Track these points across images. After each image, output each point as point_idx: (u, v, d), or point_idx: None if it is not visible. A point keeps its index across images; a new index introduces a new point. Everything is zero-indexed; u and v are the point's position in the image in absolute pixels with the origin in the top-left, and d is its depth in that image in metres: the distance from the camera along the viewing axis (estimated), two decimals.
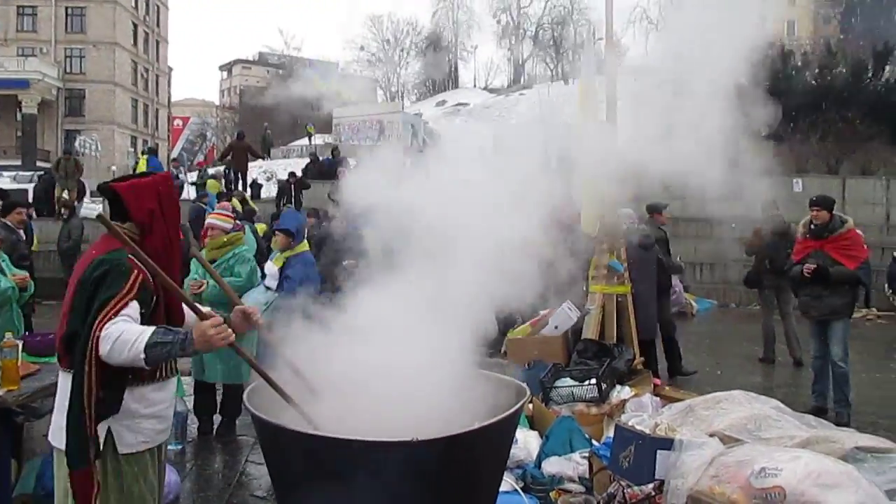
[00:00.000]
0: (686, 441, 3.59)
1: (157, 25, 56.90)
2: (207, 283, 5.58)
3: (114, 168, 37.81)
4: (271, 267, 6.14)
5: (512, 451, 3.79)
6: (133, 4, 51.79)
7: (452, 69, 62.39)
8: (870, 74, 22.27)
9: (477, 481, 2.86)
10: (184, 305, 2.88)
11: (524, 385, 3.28)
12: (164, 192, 2.89)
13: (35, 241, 12.99)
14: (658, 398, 5.51)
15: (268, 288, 6.06)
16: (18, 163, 39.60)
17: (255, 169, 23.49)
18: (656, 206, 8.82)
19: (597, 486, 4.27)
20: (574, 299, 6.49)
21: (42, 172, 19.69)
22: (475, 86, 60.53)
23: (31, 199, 18.03)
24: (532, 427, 5.12)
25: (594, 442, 4.80)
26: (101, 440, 2.67)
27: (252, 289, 5.98)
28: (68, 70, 48.77)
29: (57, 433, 2.75)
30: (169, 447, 5.05)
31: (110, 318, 2.55)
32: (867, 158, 20.70)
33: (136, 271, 2.67)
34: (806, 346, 7.68)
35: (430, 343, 3.16)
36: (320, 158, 21.89)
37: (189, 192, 19.81)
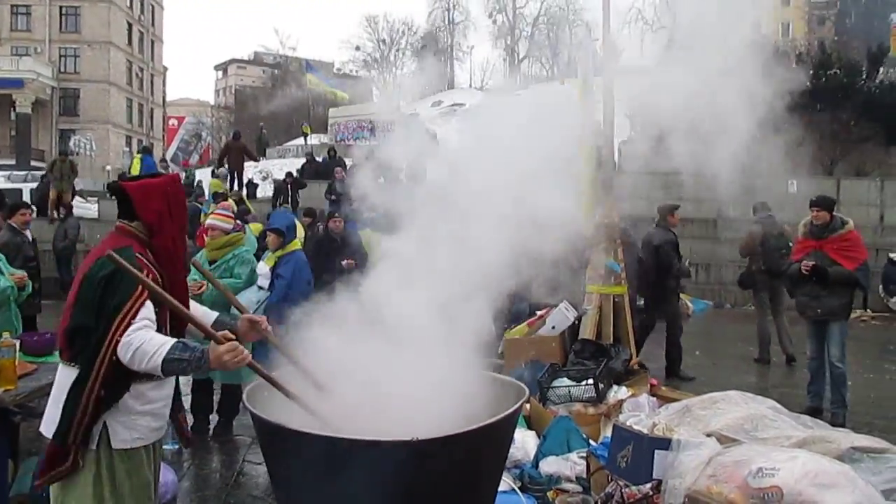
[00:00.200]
0: (684, 441, 3.60)
1: (152, 25, 56.82)
2: (207, 284, 5.58)
3: (108, 168, 37.77)
4: (263, 267, 6.14)
5: (510, 450, 3.80)
6: (128, 4, 51.70)
7: (448, 69, 62.40)
8: (864, 76, 22.32)
9: (477, 480, 2.87)
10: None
11: (523, 385, 3.28)
12: (172, 192, 2.93)
13: None
14: (655, 398, 5.53)
15: (260, 287, 6.06)
16: (13, 162, 39.50)
17: (251, 169, 23.46)
18: (669, 208, 8.73)
19: (594, 486, 4.29)
20: (571, 299, 6.51)
21: (44, 174, 19.61)
22: (471, 86, 60.53)
23: (29, 199, 18.01)
24: (529, 427, 5.13)
25: (591, 442, 4.82)
26: (96, 434, 2.71)
27: (247, 289, 5.98)
28: (63, 69, 48.65)
29: (50, 425, 2.77)
30: (166, 446, 5.06)
31: (130, 323, 2.61)
32: (861, 160, 20.77)
33: (144, 270, 2.70)
34: (801, 346, 7.71)
35: (430, 342, 3.17)
36: (317, 158, 21.88)
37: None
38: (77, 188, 19.76)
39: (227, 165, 18.98)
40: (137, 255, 2.74)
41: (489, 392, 3.19)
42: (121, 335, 2.58)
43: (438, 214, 3.35)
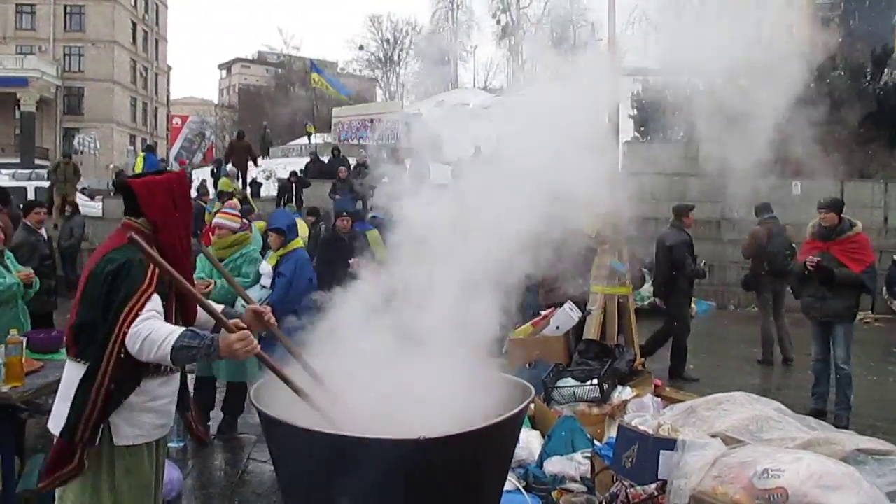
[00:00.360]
0: (689, 441, 3.61)
1: (157, 24, 56.91)
2: (216, 282, 5.60)
3: (112, 166, 37.80)
4: (265, 266, 6.16)
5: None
6: (132, 3, 51.79)
7: (452, 69, 62.42)
8: (868, 78, 22.29)
9: (483, 479, 2.88)
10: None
11: (529, 384, 3.29)
12: (177, 189, 2.94)
13: None
14: (659, 399, 5.53)
15: (263, 286, 6.08)
16: (17, 161, 39.58)
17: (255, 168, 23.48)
18: (683, 208, 8.72)
19: (599, 486, 4.29)
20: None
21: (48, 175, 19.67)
22: (475, 86, 60.52)
23: (34, 198, 18.05)
24: (534, 427, 5.14)
25: (596, 442, 4.82)
26: (99, 430, 2.71)
27: (251, 288, 5.99)
28: (67, 68, 48.76)
29: (58, 421, 2.78)
30: (171, 444, 5.08)
31: (137, 315, 2.61)
32: (866, 162, 20.73)
33: (150, 272, 2.71)
34: (806, 348, 7.71)
35: (436, 341, 3.18)
36: (321, 158, 21.90)
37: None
38: (80, 187, 19.82)
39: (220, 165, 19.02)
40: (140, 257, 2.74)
41: (495, 391, 3.20)
42: (128, 327, 2.59)
43: (448, 214, 3.36)
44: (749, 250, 9.45)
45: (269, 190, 21.39)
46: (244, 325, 2.73)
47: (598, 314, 6.41)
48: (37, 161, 39.93)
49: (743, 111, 5.23)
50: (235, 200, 13.66)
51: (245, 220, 6.51)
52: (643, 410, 4.92)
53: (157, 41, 57.21)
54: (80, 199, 19.11)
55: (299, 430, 2.69)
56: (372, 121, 32.34)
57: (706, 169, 20.63)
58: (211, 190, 17.02)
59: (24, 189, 19.18)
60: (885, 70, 23.40)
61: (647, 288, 13.35)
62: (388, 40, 61.42)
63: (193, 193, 18.16)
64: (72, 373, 2.78)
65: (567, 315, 6.42)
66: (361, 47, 61.47)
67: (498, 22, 60.33)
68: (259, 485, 5.14)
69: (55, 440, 2.73)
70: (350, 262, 7.20)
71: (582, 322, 6.64)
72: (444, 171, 23.83)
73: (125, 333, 2.59)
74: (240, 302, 5.29)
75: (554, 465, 4.58)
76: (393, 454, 2.58)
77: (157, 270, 2.72)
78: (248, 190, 19.31)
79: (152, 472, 2.90)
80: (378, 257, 5.48)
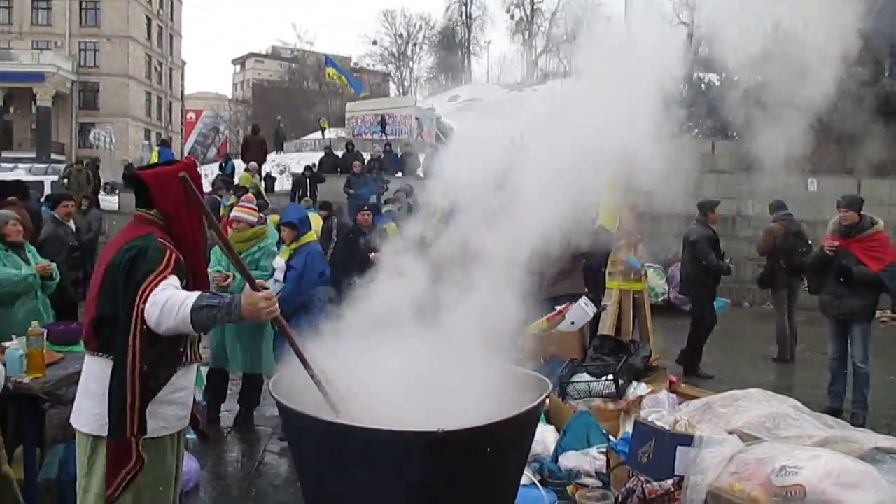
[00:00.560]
0: (706, 438, 3.60)
1: (171, 19, 57.18)
2: (234, 276, 5.63)
3: (127, 160, 38.08)
4: (279, 260, 6.18)
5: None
6: None
7: (465, 64, 62.36)
8: (887, 73, 22.06)
9: (500, 473, 2.89)
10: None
11: (546, 379, 3.29)
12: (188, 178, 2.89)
13: None
14: (674, 395, 5.52)
15: (276, 280, 6.11)
16: (33, 155, 39.92)
17: (269, 162, 23.58)
18: (709, 204, 8.66)
19: (614, 482, 4.29)
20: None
21: (64, 176, 19.84)
22: (488, 81, 60.44)
23: (50, 192, 18.21)
24: (548, 421, 5.13)
25: (611, 437, 4.82)
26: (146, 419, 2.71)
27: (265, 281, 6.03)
28: (82, 63, 49.12)
29: (79, 416, 2.81)
30: (189, 436, 5.12)
31: (153, 289, 2.58)
32: (882, 159, 20.53)
33: (169, 251, 2.71)
34: (822, 346, 7.66)
35: (452, 335, 3.19)
36: (335, 152, 21.95)
37: (204, 184, 19.93)
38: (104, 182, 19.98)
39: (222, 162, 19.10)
40: (160, 239, 2.74)
41: (512, 385, 3.21)
42: (145, 302, 2.56)
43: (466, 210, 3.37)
44: (765, 247, 9.39)
45: (284, 184, 21.45)
46: (268, 287, 2.74)
47: (613, 310, 6.41)
48: (53, 156, 40.25)
49: (762, 106, 5.20)
50: (251, 194, 13.74)
51: (261, 214, 6.53)
52: (658, 406, 4.91)
53: (171, 36, 57.49)
54: (103, 196, 19.29)
55: (318, 422, 2.71)
56: (381, 116, 32.30)
57: (721, 165, 20.59)
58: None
59: (42, 183, 19.33)
60: None
61: (661, 284, 13.33)
62: (401, 35, 61.48)
63: (208, 187, 18.29)
64: (92, 368, 2.79)
65: (582, 310, 6.41)
66: (375, 42, 61.61)
67: (512, 17, 60.23)
68: (275, 476, 5.19)
69: (107, 444, 2.68)
70: (371, 255, 7.22)
71: (597, 318, 6.64)
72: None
73: (143, 310, 2.56)
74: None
75: (569, 460, 4.58)
76: (412, 446, 2.59)
77: (174, 255, 2.71)
78: (263, 184, 19.38)
79: (174, 463, 2.92)
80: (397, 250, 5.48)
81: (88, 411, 2.77)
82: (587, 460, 4.56)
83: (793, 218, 9.43)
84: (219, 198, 14.75)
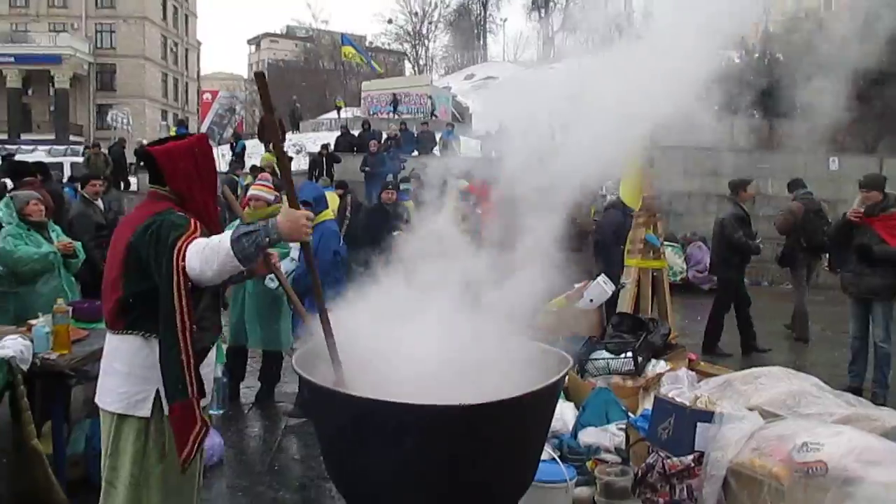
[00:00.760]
0: (727, 414, 3.60)
1: (186, 0, 57.15)
2: None
3: (144, 142, 38.27)
4: None
5: None
6: None
7: (481, 42, 61.89)
8: None
9: (522, 447, 2.90)
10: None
11: (566, 354, 3.29)
12: (199, 153, 2.88)
13: None
14: (694, 373, 5.50)
15: (292, 259, 6.13)
16: (52, 137, 40.23)
17: (285, 142, 23.62)
18: (740, 183, 8.63)
19: (633, 458, 4.30)
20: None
21: (85, 157, 20.03)
22: (504, 59, 59.97)
23: (70, 174, 18.38)
24: (567, 398, 5.14)
25: (630, 414, 4.82)
26: (150, 401, 2.74)
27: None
28: (99, 45, 49.31)
29: (103, 395, 2.83)
30: (212, 411, 5.19)
31: (186, 247, 2.57)
32: None
33: (192, 219, 2.71)
34: (843, 325, 7.62)
35: (473, 311, 3.19)
36: (351, 132, 21.94)
37: (221, 164, 20.01)
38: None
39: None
40: (178, 212, 2.73)
41: (533, 360, 3.21)
42: (184, 260, 2.54)
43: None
44: (785, 226, 9.31)
45: (300, 164, 21.49)
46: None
47: (631, 288, 6.39)
48: (71, 137, 40.54)
49: (780, 83, 5.13)
50: (268, 173, 13.81)
51: (278, 194, 6.54)
52: (678, 384, 4.89)
53: (186, 17, 57.50)
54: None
55: (342, 396, 2.73)
56: (394, 95, 32.18)
57: (740, 143, 20.32)
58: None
59: (61, 164, 19.49)
60: None
61: (680, 263, 13.28)
62: (416, 13, 61.02)
63: (225, 167, 18.38)
64: (118, 347, 2.80)
65: (601, 288, 6.39)
66: (390, 21, 61.18)
67: None
68: (296, 451, 5.26)
69: (169, 411, 2.66)
70: (394, 232, 7.23)
71: (615, 296, 6.62)
72: (473, 144, 23.73)
73: (183, 267, 2.54)
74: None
75: (588, 436, 4.59)
76: (435, 420, 2.61)
77: (198, 223, 2.69)
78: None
79: None
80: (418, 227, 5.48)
81: (114, 390, 2.79)
82: (606, 436, 4.57)
83: (812, 197, 9.35)
84: (236, 177, 14.84)
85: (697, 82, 3.47)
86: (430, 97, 31.93)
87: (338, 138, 21.43)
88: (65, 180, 15.60)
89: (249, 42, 79.10)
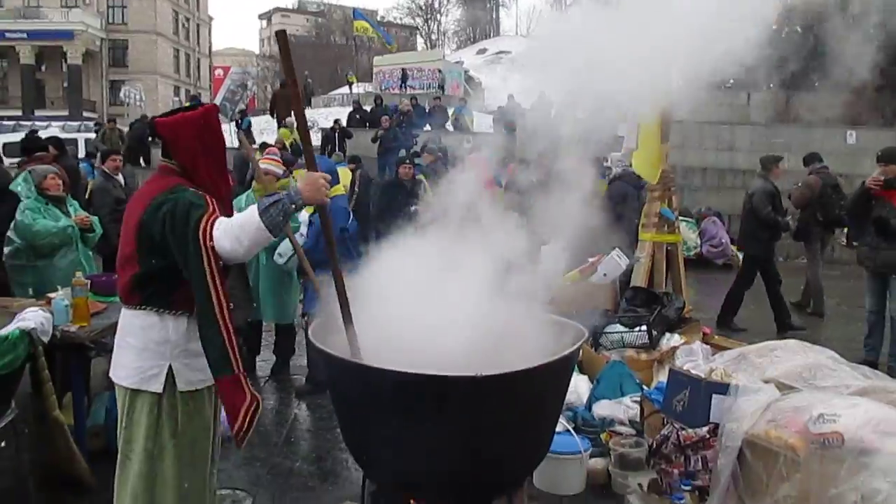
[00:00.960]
0: (742, 386, 3.60)
1: None
2: None
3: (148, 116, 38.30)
4: (303, 214, 6.19)
5: None
6: None
7: (494, 16, 61.31)
8: None
9: (537, 418, 2.92)
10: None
11: (581, 326, 3.29)
12: (205, 125, 2.82)
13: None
14: (708, 346, 5.50)
15: (301, 234, 6.14)
16: (66, 113, 40.33)
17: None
18: (772, 159, 8.58)
19: (648, 430, 4.33)
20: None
21: (99, 133, 20.08)
22: (517, 33, 59.42)
23: (84, 150, 18.52)
24: (581, 371, 5.17)
25: (644, 387, 4.84)
26: (162, 377, 2.75)
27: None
28: (111, 20, 49.22)
29: (118, 369, 2.85)
30: None
31: (212, 228, 2.57)
32: None
33: (207, 196, 2.69)
34: (859, 300, 7.58)
35: (487, 281, 3.19)
36: (364, 107, 21.86)
37: (233, 140, 20.02)
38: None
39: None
40: (192, 189, 2.72)
41: (547, 332, 3.21)
42: (212, 240, 2.55)
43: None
44: (802, 200, 9.23)
45: (312, 140, 21.48)
46: None
47: (646, 262, 6.36)
48: (85, 114, 40.64)
49: (796, 57, 5.05)
50: (275, 147, 13.82)
51: (286, 168, 6.54)
52: (693, 356, 4.90)
53: None
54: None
55: (359, 367, 2.75)
56: (402, 70, 31.96)
57: (756, 117, 20.09)
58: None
59: (75, 140, 19.56)
60: None
61: (693, 238, 13.21)
62: None
63: (235, 142, 18.37)
64: (132, 322, 2.80)
65: (615, 262, 6.38)
66: None
67: None
68: (311, 423, 5.32)
69: (218, 387, 2.69)
70: (411, 207, 7.23)
71: (629, 271, 6.60)
72: (486, 119, 23.58)
73: (212, 247, 2.56)
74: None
75: (603, 409, 4.62)
76: (452, 391, 2.62)
77: (213, 200, 2.69)
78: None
79: (212, 415, 2.94)
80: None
81: (127, 365, 2.80)
82: (621, 409, 4.59)
83: (829, 170, 9.28)
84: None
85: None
86: (441, 72, 31.68)
87: (350, 113, 21.38)
88: (80, 156, 15.69)
89: (261, 17, 78.68)
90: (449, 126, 20.22)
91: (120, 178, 8.01)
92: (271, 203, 2.55)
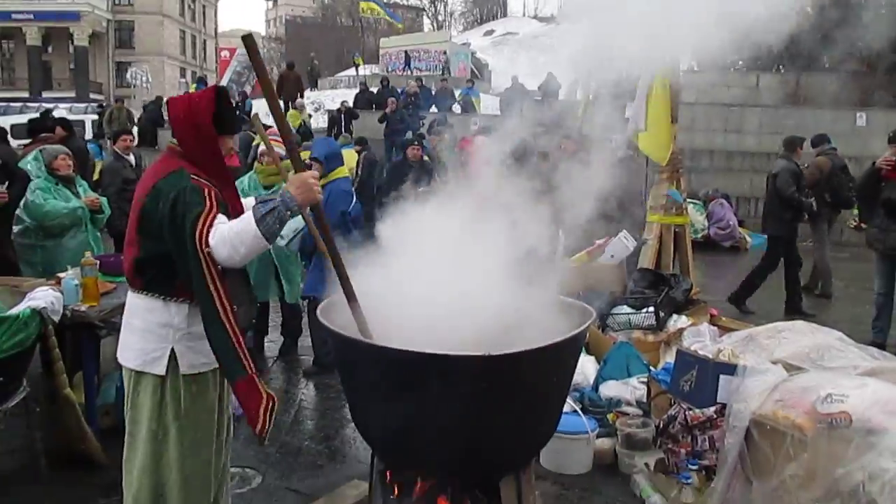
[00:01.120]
0: (750, 367, 3.60)
1: None
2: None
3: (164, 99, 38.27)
4: None
5: None
6: None
7: None
8: None
9: (545, 398, 2.92)
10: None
11: (589, 307, 3.29)
12: (202, 109, 2.74)
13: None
14: (715, 328, 5.49)
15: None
16: (73, 95, 40.33)
17: (304, 99, 23.53)
18: (796, 140, 8.51)
19: (655, 410, 4.34)
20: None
21: (104, 113, 20.08)
22: (524, 14, 58.92)
23: (92, 131, 18.55)
24: (588, 352, 5.17)
25: (651, 368, 4.84)
26: (165, 359, 2.75)
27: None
28: (117, 2, 49.02)
29: (123, 351, 2.86)
30: None
31: (209, 232, 2.55)
32: None
33: (206, 189, 2.65)
34: (868, 282, 7.56)
35: (493, 260, 3.19)
36: (370, 89, 21.79)
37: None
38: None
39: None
40: (193, 175, 2.68)
41: (555, 312, 3.21)
42: (208, 245, 2.54)
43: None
44: (811, 181, 9.18)
45: (319, 122, 21.44)
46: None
47: (653, 244, 6.34)
48: (91, 95, 40.64)
49: (807, 38, 5.00)
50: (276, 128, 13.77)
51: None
52: (700, 338, 4.90)
53: None
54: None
55: (367, 346, 2.76)
56: (405, 52, 31.79)
57: (766, 99, 19.92)
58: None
59: (83, 122, 19.58)
60: None
61: (701, 220, 13.17)
62: None
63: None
64: (136, 304, 2.81)
65: (622, 244, 6.37)
66: None
67: None
68: (319, 403, 5.36)
69: (234, 390, 2.71)
70: (419, 189, 7.21)
71: (636, 253, 6.59)
72: (493, 102, 23.46)
73: (209, 252, 2.55)
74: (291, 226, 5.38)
75: (609, 389, 4.63)
76: (460, 370, 2.62)
77: (212, 192, 2.66)
78: (311, 119, 19.49)
79: (216, 398, 2.93)
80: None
81: (132, 347, 2.82)
82: (628, 390, 4.60)
83: (837, 152, 9.23)
84: (253, 134, 14.80)
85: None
86: (445, 53, 31.51)
87: (357, 95, 21.32)
88: (87, 137, 15.70)
89: None
90: (456, 108, 20.15)
91: (131, 157, 8.02)
92: (267, 211, 2.53)
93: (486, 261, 3.22)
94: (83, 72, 45.11)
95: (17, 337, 3.58)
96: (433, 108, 19.74)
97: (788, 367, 3.83)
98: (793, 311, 8.09)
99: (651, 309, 5.46)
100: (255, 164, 6.11)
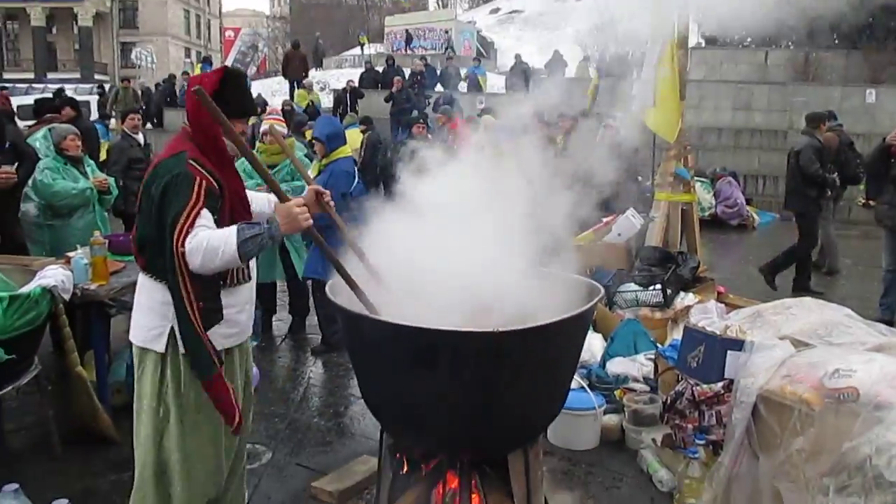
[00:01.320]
0: (757, 342, 3.60)
1: None
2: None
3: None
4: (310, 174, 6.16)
5: None
6: None
7: None
8: None
9: (553, 374, 2.93)
10: (248, 198, 2.95)
11: (597, 284, 3.29)
12: (208, 83, 2.73)
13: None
14: (722, 305, 5.50)
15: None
16: (78, 75, 40.25)
17: (309, 79, 23.45)
18: (820, 116, 8.41)
19: (662, 387, 4.36)
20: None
21: (110, 93, 20.07)
22: None
23: (97, 112, 18.54)
24: (595, 330, 5.19)
25: (658, 345, 4.86)
26: (165, 338, 2.75)
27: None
28: None
29: (136, 331, 2.86)
30: (252, 342, 5.30)
31: (188, 232, 2.55)
32: None
33: (198, 178, 2.63)
34: (876, 259, 7.53)
35: (502, 237, 3.19)
36: (376, 68, 21.68)
37: None
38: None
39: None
40: (190, 160, 2.66)
41: (563, 289, 3.22)
42: (182, 246, 2.55)
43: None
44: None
45: (324, 101, 21.37)
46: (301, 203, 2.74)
47: (660, 221, 6.33)
48: (97, 76, 40.55)
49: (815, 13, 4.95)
50: (277, 108, 13.77)
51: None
52: (707, 314, 4.90)
53: None
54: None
55: (376, 322, 2.77)
56: (406, 31, 31.56)
57: (774, 76, 19.74)
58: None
59: (88, 103, 19.56)
60: None
61: (708, 198, 13.13)
62: None
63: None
64: (142, 282, 2.83)
65: (629, 222, 6.36)
66: None
67: None
68: (328, 380, 5.39)
69: (206, 389, 2.74)
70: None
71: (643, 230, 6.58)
72: (498, 80, 23.31)
73: (182, 253, 2.56)
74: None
75: (617, 366, 4.65)
76: (469, 346, 2.63)
77: (203, 183, 2.63)
78: (319, 98, 19.43)
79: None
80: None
81: (137, 323, 2.84)
82: (635, 366, 4.62)
83: (843, 128, 9.18)
84: (256, 117, 14.79)
85: None
86: (447, 31, 31.26)
87: (362, 74, 21.22)
88: (93, 118, 15.68)
89: None
90: (462, 86, 20.04)
91: (140, 137, 8.02)
92: (251, 236, 2.55)
93: (495, 238, 3.22)
94: (88, 53, 44.98)
95: (28, 315, 3.60)
96: (438, 87, 19.64)
97: (796, 342, 3.83)
98: (801, 288, 8.05)
99: (658, 286, 5.46)
100: (257, 143, 6.08)
